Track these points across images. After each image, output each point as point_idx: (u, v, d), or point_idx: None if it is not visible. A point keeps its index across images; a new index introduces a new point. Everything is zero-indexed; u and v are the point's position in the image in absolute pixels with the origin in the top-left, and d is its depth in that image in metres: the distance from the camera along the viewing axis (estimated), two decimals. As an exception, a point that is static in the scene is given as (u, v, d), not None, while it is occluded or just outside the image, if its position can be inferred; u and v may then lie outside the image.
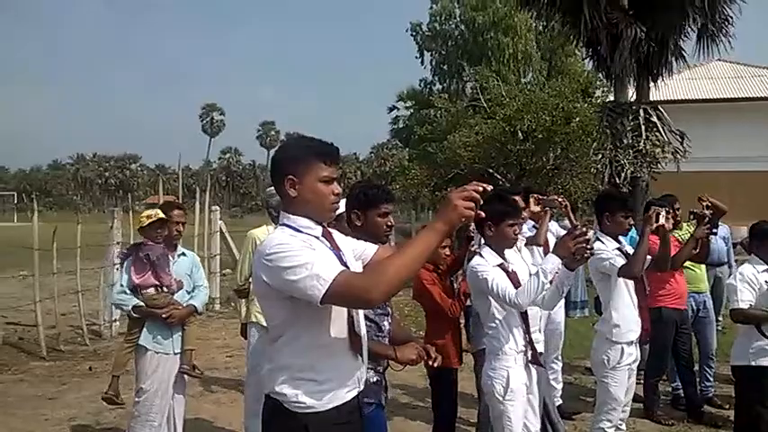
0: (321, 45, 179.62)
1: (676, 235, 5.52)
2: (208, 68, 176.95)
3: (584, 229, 3.29)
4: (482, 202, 2.03)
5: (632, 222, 4.36)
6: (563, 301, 5.67)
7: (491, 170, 17.25)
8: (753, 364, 4.15)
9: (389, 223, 3.03)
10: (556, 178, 16.86)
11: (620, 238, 4.26)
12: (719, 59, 20.66)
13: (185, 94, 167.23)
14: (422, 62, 34.17)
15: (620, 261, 4.03)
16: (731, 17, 12.47)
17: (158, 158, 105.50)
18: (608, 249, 4.09)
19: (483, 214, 2.13)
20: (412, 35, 34.04)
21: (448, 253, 4.08)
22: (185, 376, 4.45)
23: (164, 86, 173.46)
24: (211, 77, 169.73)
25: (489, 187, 2.08)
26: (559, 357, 5.73)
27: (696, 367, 5.77)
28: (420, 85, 34.68)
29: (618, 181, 12.06)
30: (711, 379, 5.84)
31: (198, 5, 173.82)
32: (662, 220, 4.18)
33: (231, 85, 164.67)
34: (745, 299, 4.15)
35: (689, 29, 12.69)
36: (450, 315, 4.11)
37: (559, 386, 5.65)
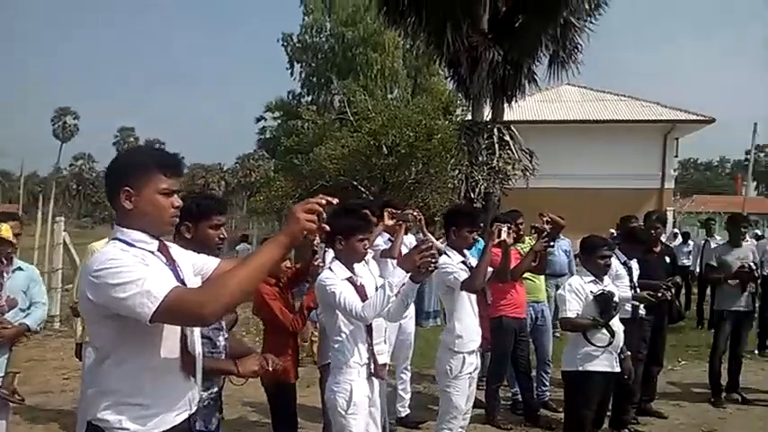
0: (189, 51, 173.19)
1: (519, 248, 5.84)
2: (60, 72, 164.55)
3: (430, 243, 3.39)
4: (325, 215, 2.04)
5: (476, 237, 4.57)
6: (413, 311, 5.85)
7: (355, 183, 17.46)
8: (580, 369, 4.45)
9: (222, 236, 2.98)
10: (417, 192, 17.35)
11: (466, 251, 4.46)
12: (568, 84, 22.34)
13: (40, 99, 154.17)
14: (291, 73, 34.17)
15: (464, 275, 4.20)
16: (580, 45, 13.51)
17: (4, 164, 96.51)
18: (453, 263, 4.25)
19: (327, 227, 2.13)
20: (283, 46, 33.96)
21: (289, 266, 4.05)
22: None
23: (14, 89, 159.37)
24: (67, 81, 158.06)
25: (334, 200, 2.09)
26: (408, 367, 5.86)
27: (534, 373, 6.13)
28: (289, 97, 34.62)
29: (473, 196, 12.61)
30: (548, 383, 6.23)
31: None
32: (503, 236, 4.43)
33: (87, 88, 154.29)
34: (572, 308, 4.45)
35: (542, 54, 13.60)
36: (292, 330, 4.06)
37: (407, 396, 5.78)
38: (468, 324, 4.25)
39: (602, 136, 22.57)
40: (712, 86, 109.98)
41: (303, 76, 33.84)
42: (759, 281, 7.15)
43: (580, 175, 21.51)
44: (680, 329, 10.67)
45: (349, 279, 3.50)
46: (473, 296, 4.30)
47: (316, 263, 3.87)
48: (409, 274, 3.28)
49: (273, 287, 4.02)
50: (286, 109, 33.09)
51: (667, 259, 6.21)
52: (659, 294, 5.22)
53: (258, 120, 36.55)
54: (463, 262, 4.31)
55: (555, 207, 6.17)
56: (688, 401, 6.60)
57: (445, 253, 4.28)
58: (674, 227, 19.76)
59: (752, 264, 6.48)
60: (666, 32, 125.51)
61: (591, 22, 13.28)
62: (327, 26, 33.07)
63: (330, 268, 3.56)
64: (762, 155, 68.53)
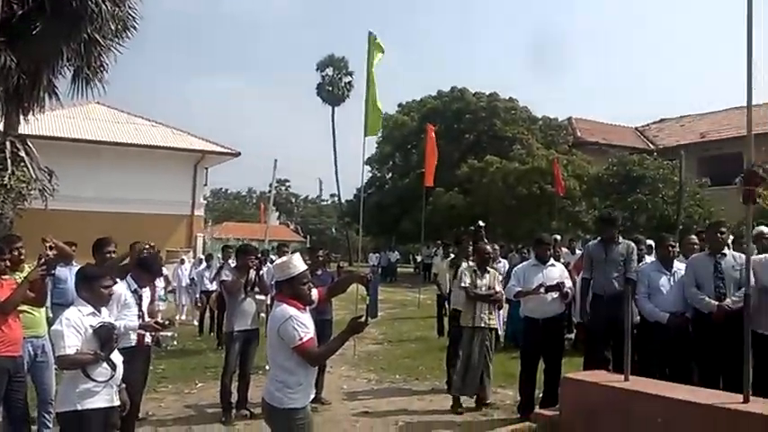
0: None
1: (17, 277, 5.20)
2: None
3: None
4: None
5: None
6: None
7: None
8: (79, 408, 4.08)
9: None
10: None
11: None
12: (99, 103, 21.35)
13: None
14: None
15: None
16: (107, 64, 12.96)
17: None
18: None
19: None
20: None
21: None
22: None
23: None
24: None
25: None
26: None
27: (35, 414, 5.52)
28: None
29: (-23, 216, 10.93)
30: (51, 425, 5.62)
31: None
32: None
33: None
34: (71, 344, 4.05)
35: (65, 68, 12.64)
36: None
37: None
38: None
39: (134, 160, 22.29)
40: (243, 122, 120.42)
41: None
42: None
43: (112, 198, 20.78)
44: (201, 351, 11.04)
45: None
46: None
47: None
48: None
49: None
50: None
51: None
52: (166, 322, 5.23)
53: None
54: None
55: (83, 231, 5.74)
56: (200, 423, 6.74)
57: None
58: (203, 252, 20.58)
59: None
60: (197, 65, 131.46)
61: (119, 44, 12.93)
62: None
63: None
64: (282, 188, 77.20)
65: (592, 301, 6.62)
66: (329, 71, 50.27)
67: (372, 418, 6.85)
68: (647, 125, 36.96)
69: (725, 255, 6.09)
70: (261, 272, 7.34)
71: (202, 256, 15.93)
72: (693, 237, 7.30)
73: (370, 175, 36.09)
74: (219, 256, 13.54)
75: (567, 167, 25.78)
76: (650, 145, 33.06)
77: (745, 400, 4.69)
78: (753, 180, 4.69)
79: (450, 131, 30.84)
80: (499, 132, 30.18)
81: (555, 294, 6.74)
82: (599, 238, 6.93)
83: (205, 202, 27.94)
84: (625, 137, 34.05)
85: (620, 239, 6.60)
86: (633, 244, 6.66)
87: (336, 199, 53.90)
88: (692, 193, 23.37)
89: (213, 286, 12.54)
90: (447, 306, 9.50)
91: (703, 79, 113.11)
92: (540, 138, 30.02)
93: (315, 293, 4.18)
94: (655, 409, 5.02)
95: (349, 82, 49.88)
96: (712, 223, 6.96)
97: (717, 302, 5.87)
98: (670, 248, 6.49)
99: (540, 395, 6.81)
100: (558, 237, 12.14)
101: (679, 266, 6.44)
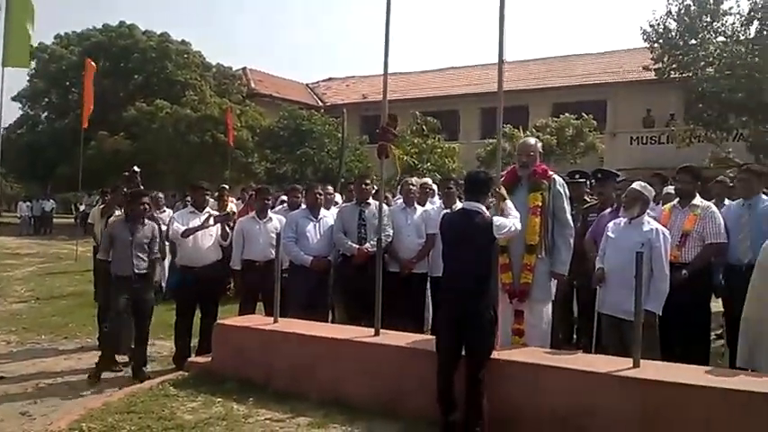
0: None
1: None
2: None
3: None
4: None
5: None
6: None
7: None
8: None
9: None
10: None
11: None
12: None
13: None
14: None
15: None
16: None
17: None
18: None
19: None
20: None
21: None
22: None
23: None
24: None
25: None
26: None
27: None
28: None
29: None
30: None
31: None
32: None
33: None
34: None
35: None
36: None
37: None
38: None
39: None
40: None
41: None
42: None
43: None
44: None
45: None
46: None
47: None
48: None
49: None
50: None
51: None
52: None
53: None
54: None
55: None
56: None
57: None
58: None
59: None
60: None
61: None
62: None
63: None
64: None
65: None
66: (-35, -14, 42.21)
67: (7, 383, 6.12)
68: (317, 83, 38.95)
69: (369, 204, 6.73)
70: None
71: None
72: (329, 187, 7.85)
73: (21, 113, 31.69)
74: None
75: (240, 118, 25.88)
76: (319, 102, 35.00)
77: (376, 334, 5.31)
78: (385, 136, 5.23)
79: (117, 70, 28.58)
80: (171, 76, 28.82)
81: (228, 231, 6.93)
82: None
83: None
84: (297, 92, 35.41)
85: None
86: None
87: (-23, 139, 46.13)
88: (353, 148, 25.48)
89: None
90: (102, 257, 8.89)
91: (371, 43, 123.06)
92: (213, 86, 29.45)
93: None
94: (300, 346, 5.40)
95: (-7, 2, 42.57)
96: (359, 176, 7.60)
97: (357, 246, 6.51)
98: (317, 197, 6.90)
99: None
100: (227, 186, 12.09)
101: (325, 213, 6.93)
